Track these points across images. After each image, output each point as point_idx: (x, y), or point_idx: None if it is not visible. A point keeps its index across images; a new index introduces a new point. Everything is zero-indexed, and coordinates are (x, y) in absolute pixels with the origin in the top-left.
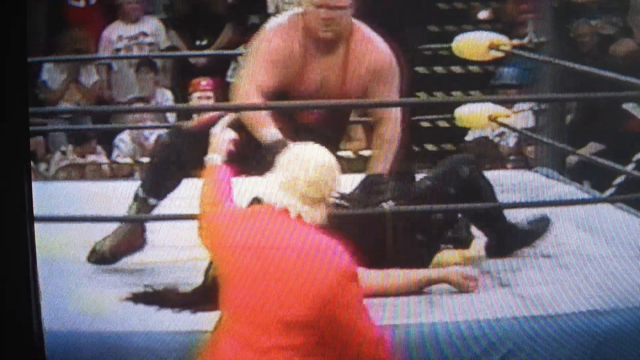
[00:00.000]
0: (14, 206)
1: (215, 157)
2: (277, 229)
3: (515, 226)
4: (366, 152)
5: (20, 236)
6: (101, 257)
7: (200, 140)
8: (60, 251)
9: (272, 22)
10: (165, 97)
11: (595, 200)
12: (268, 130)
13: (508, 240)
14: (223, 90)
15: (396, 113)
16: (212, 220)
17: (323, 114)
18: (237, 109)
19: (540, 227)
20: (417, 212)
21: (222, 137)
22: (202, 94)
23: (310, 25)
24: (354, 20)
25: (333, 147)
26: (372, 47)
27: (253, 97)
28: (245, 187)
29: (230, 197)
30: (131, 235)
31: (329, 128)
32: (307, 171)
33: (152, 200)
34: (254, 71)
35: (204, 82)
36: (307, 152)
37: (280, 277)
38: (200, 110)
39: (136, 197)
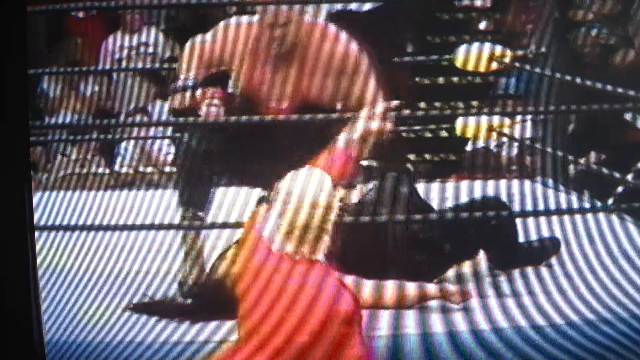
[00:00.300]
0: (15, 215)
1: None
2: (282, 272)
3: (523, 245)
4: (367, 163)
5: (21, 245)
6: (190, 291)
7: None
8: (62, 260)
9: (236, 19)
10: (162, 108)
11: (596, 210)
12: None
13: (515, 258)
14: (227, 101)
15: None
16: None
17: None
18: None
19: (550, 247)
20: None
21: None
22: (210, 101)
23: (262, 43)
24: (310, 20)
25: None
26: (329, 43)
27: (193, 57)
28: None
29: None
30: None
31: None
32: (304, 217)
33: (198, 213)
34: (207, 40)
35: (212, 90)
36: (300, 191)
37: (286, 313)
38: (196, 124)
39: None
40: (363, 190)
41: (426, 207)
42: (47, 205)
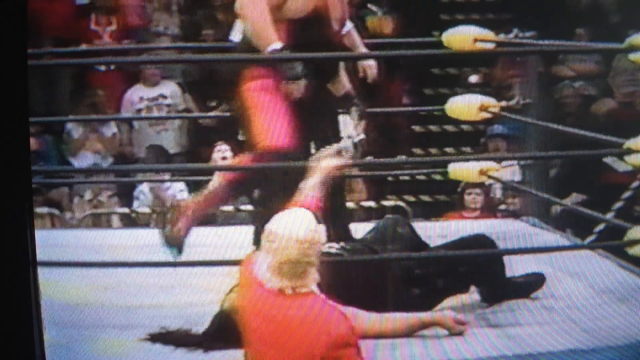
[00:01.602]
0: (17, 251)
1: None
2: (278, 306)
3: (509, 280)
4: (367, 204)
5: (24, 281)
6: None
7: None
8: (84, 295)
9: None
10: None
11: (578, 247)
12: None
13: (502, 292)
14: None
15: None
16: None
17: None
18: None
19: (534, 282)
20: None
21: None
22: (221, 148)
23: None
24: None
25: None
26: None
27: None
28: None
29: None
30: None
31: None
32: (290, 253)
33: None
34: None
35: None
36: (285, 230)
37: (288, 344)
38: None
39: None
40: (364, 230)
41: (422, 245)
42: (70, 242)
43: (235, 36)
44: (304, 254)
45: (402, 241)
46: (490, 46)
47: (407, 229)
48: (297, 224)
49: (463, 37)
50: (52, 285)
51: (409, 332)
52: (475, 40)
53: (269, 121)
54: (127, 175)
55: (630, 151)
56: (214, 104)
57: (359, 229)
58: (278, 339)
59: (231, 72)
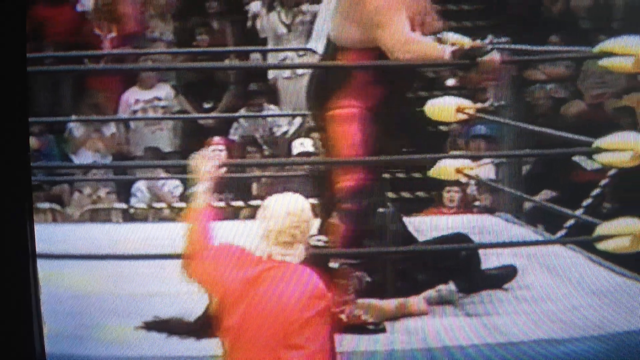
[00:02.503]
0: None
1: (200, 191)
2: (263, 269)
3: (484, 272)
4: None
5: (24, 275)
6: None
7: None
8: (86, 286)
9: None
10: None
11: (549, 242)
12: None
13: (478, 284)
14: (231, 147)
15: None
16: (203, 260)
17: None
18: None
19: (507, 274)
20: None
21: (206, 168)
22: (215, 147)
23: None
24: None
25: None
26: None
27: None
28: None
29: (214, 237)
30: None
31: None
32: (277, 222)
33: None
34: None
35: (217, 138)
36: (277, 203)
37: (267, 305)
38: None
39: None
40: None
41: (411, 240)
42: (72, 236)
43: (316, 45)
44: (291, 225)
45: (392, 236)
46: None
47: (399, 225)
48: (287, 200)
49: (445, 108)
50: (53, 276)
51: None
52: (458, 110)
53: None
54: (125, 172)
55: (599, 150)
56: (209, 105)
57: None
58: (260, 301)
59: (322, 92)
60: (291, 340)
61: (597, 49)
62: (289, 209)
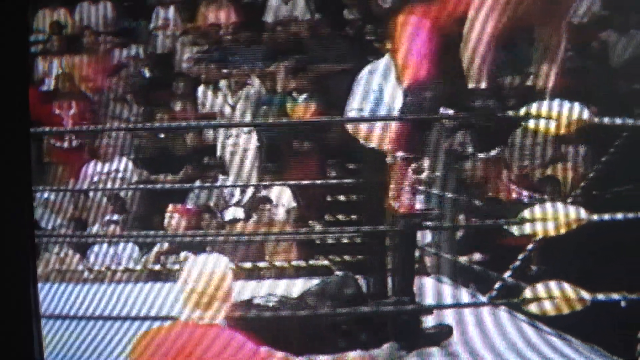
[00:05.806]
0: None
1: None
2: (189, 339)
3: (423, 331)
4: (297, 263)
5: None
6: None
7: None
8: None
9: None
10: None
11: (482, 304)
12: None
13: (418, 342)
14: (186, 214)
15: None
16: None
17: None
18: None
19: (443, 332)
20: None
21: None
22: (170, 214)
23: None
24: None
25: None
26: None
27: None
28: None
29: None
30: None
31: None
32: (193, 284)
33: None
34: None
35: (171, 205)
36: (194, 265)
37: None
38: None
39: None
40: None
41: (364, 302)
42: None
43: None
44: (208, 286)
45: (342, 300)
46: None
47: (354, 289)
48: (204, 261)
49: None
50: None
51: None
52: None
53: None
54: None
55: (525, 220)
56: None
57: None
58: None
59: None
60: None
61: (523, 111)
62: (206, 270)
